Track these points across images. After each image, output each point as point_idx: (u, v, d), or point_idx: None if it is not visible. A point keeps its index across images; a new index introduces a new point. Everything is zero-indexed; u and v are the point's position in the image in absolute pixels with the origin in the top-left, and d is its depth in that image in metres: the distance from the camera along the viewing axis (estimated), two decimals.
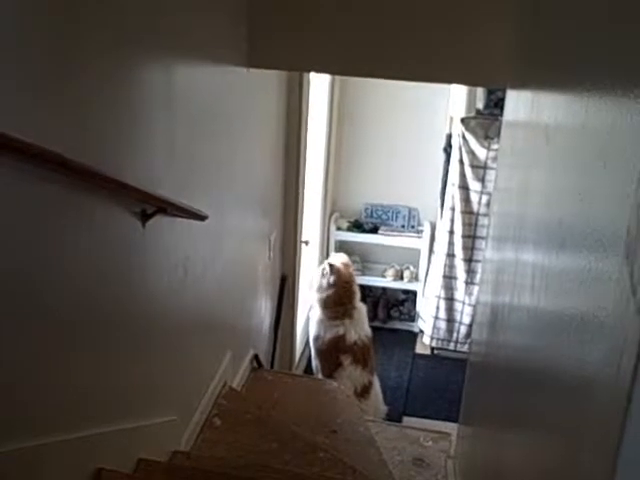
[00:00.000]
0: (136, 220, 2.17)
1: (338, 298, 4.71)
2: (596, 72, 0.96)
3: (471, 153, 4.97)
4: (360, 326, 4.72)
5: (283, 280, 4.61)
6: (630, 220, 0.67)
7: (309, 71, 3.95)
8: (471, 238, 5.18)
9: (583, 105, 1.01)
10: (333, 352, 4.66)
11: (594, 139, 0.90)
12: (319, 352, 4.76)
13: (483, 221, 4.98)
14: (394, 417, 4.74)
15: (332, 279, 4.73)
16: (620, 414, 0.63)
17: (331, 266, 4.78)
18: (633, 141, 0.69)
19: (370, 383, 4.59)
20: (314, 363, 4.85)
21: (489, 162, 4.89)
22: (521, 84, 2.12)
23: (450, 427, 4.09)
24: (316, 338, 4.78)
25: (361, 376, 4.55)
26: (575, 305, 0.89)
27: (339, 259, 4.97)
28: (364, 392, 4.53)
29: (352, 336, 4.64)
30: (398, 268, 5.97)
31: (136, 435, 2.42)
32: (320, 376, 4.72)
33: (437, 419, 4.63)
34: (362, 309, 4.85)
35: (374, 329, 5.00)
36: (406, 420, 4.78)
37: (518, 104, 2.12)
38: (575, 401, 0.85)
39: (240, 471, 2.69)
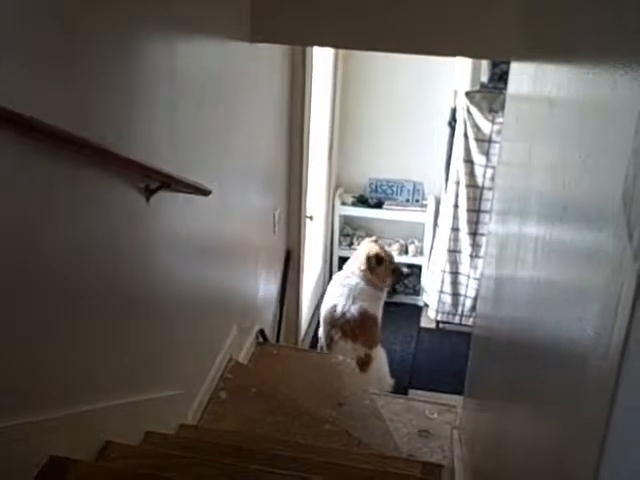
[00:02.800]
0: (140, 195, 2.18)
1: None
2: (598, 37, 0.96)
3: (476, 127, 4.95)
4: (352, 299, 4.71)
5: (288, 255, 4.62)
6: (628, 166, 0.67)
7: (312, 45, 3.93)
8: (476, 212, 5.17)
9: (586, 69, 1.01)
10: (327, 324, 4.72)
11: (597, 100, 0.90)
12: (322, 321, 4.84)
13: (488, 195, 4.96)
14: (400, 390, 4.76)
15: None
16: (612, 380, 0.64)
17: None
18: (633, 95, 0.70)
19: (368, 357, 4.56)
20: (320, 331, 4.90)
21: (494, 136, 4.87)
22: (525, 56, 2.10)
23: (455, 399, 4.11)
24: (323, 307, 4.86)
25: (354, 350, 4.50)
26: (575, 273, 0.89)
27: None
28: (362, 365, 4.44)
29: (340, 309, 4.66)
30: (403, 242, 5.98)
31: (143, 408, 2.45)
32: (322, 344, 4.77)
33: (442, 392, 4.65)
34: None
35: None
36: (412, 393, 4.81)
37: (522, 76, 2.11)
38: (571, 371, 0.86)
39: (246, 444, 2.72)
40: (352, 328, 4.60)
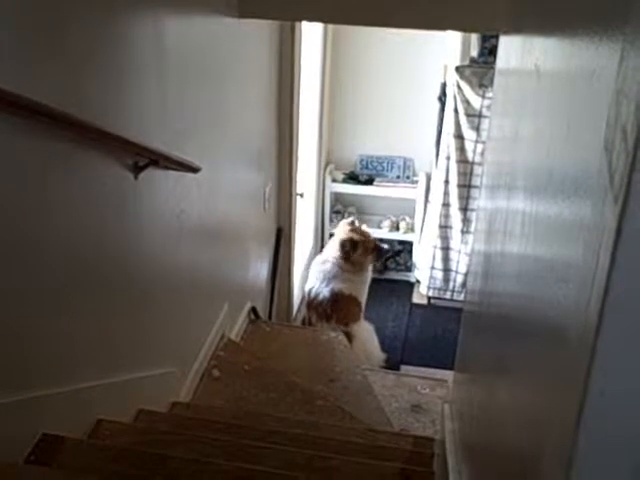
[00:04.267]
0: (128, 172, 2.17)
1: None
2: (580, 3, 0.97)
3: (466, 102, 4.94)
4: (325, 282, 4.82)
5: (279, 232, 4.62)
6: (609, 110, 0.68)
7: (300, 20, 3.90)
8: (466, 187, 5.18)
9: (571, 36, 1.01)
10: (305, 309, 4.89)
11: (582, 65, 0.90)
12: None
13: (478, 170, 4.97)
14: (392, 366, 4.79)
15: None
16: (590, 343, 0.65)
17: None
18: (614, 51, 0.70)
19: (348, 334, 4.60)
20: None
21: (484, 110, 4.86)
22: (513, 28, 2.09)
23: (447, 375, 4.13)
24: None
25: (332, 329, 4.60)
26: (561, 242, 0.90)
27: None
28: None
29: (313, 291, 4.81)
30: (394, 219, 5.98)
31: (135, 387, 2.46)
32: None
33: (434, 367, 4.68)
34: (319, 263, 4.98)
35: (371, 280, 5.05)
36: (403, 368, 4.84)
37: (510, 50, 2.11)
38: (555, 340, 0.87)
39: (239, 420, 2.74)
40: (324, 309, 4.74)
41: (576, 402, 0.67)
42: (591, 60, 0.83)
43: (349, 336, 4.58)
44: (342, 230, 4.93)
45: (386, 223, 5.95)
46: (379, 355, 4.80)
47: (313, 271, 4.94)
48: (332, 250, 4.88)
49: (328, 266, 4.83)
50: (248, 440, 2.40)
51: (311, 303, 4.80)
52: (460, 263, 5.42)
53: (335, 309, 4.73)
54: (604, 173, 0.66)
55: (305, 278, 5.19)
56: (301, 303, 5.35)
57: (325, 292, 4.75)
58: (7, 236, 1.60)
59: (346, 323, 4.70)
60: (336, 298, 4.74)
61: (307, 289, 4.88)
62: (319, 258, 5.00)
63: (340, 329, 4.59)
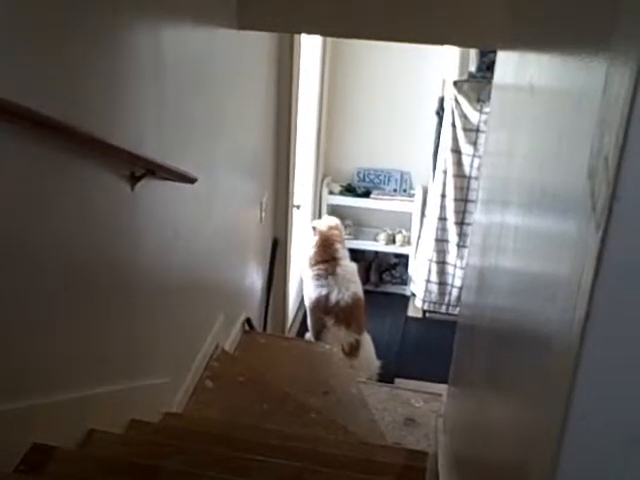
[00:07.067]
0: (124, 183, 2.17)
1: (320, 257, 4.86)
2: (571, 23, 0.98)
3: (463, 116, 4.95)
4: (345, 286, 4.79)
5: (275, 244, 4.62)
6: (593, 139, 0.68)
7: (299, 33, 3.91)
8: (463, 201, 5.18)
9: (562, 55, 1.02)
10: (318, 312, 4.79)
11: (572, 85, 0.91)
12: (309, 311, 4.90)
13: (475, 184, 4.97)
14: (386, 379, 4.78)
15: (314, 239, 4.90)
16: (574, 352, 0.65)
17: (314, 228, 4.97)
18: (600, 76, 0.71)
19: (358, 342, 4.65)
20: (308, 322, 4.95)
21: (481, 125, 4.87)
22: (510, 45, 2.11)
23: (441, 388, 4.12)
24: (307, 298, 4.91)
25: (346, 336, 4.63)
26: (550, 256, 0.90)
27: (325, 221, 5.12)
28: (353, 351, 4.63)
29: (334, 296, 4.74)
30: (390, 232, 5.98)
31: (128, 397, 2.45)
32: (311, 334, 4.84)
33: (428, 380, 4.66)
34: (348, 268, 4.92)
35: (366, 293, 5.05)
36: (398, 382, 4.83)
37: (507, 65, 2.12)
38: (543, 352, 0.87)
39: (231, 432, 2.73)
40: (346, 315, 4.70)
41: (559, 420, 0.67)
42: (580, 82, 0.83)
43: (358, 344, 4.62)
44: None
45: (382, 236, 5.95)
46: (376, 362, 4.82)
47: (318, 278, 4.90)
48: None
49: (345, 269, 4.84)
50: (240, 452, 2.39)
51: (331, 309, 4.73)
52: (456, 277, 5.42)
53: (355, 316, 4.74)
54: (588, 199, 0.67)
55: (300, 290, 5.17)
56: (296, 315, 5.34)
57: (347, 297, 4.73)
58: (1, 245, 1.60)
59: (359, 332, 4.73)
60: (357, 303, 4.76)
61: (320, 294, 4.79)
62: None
63: (354, 337, 4.62)
